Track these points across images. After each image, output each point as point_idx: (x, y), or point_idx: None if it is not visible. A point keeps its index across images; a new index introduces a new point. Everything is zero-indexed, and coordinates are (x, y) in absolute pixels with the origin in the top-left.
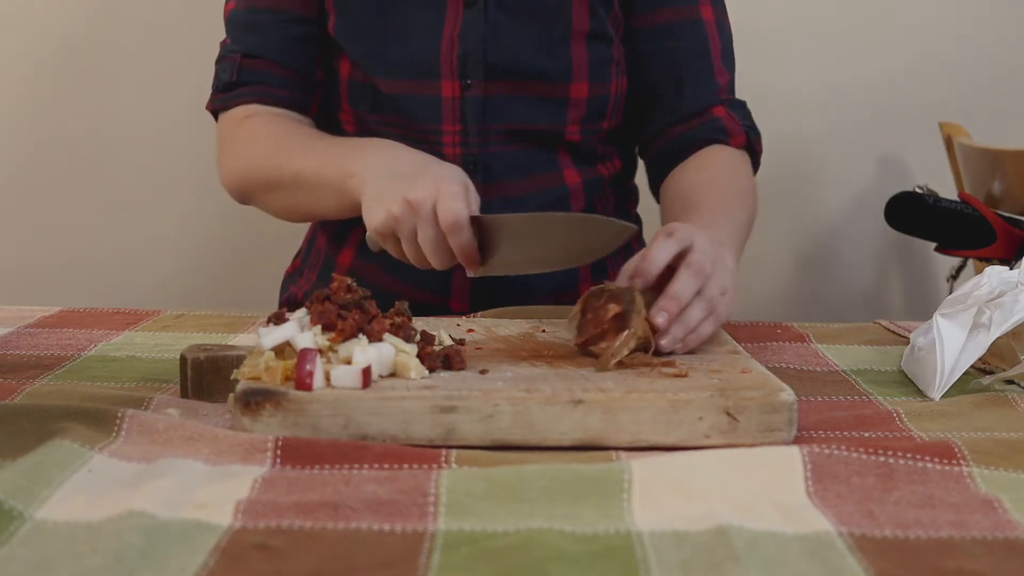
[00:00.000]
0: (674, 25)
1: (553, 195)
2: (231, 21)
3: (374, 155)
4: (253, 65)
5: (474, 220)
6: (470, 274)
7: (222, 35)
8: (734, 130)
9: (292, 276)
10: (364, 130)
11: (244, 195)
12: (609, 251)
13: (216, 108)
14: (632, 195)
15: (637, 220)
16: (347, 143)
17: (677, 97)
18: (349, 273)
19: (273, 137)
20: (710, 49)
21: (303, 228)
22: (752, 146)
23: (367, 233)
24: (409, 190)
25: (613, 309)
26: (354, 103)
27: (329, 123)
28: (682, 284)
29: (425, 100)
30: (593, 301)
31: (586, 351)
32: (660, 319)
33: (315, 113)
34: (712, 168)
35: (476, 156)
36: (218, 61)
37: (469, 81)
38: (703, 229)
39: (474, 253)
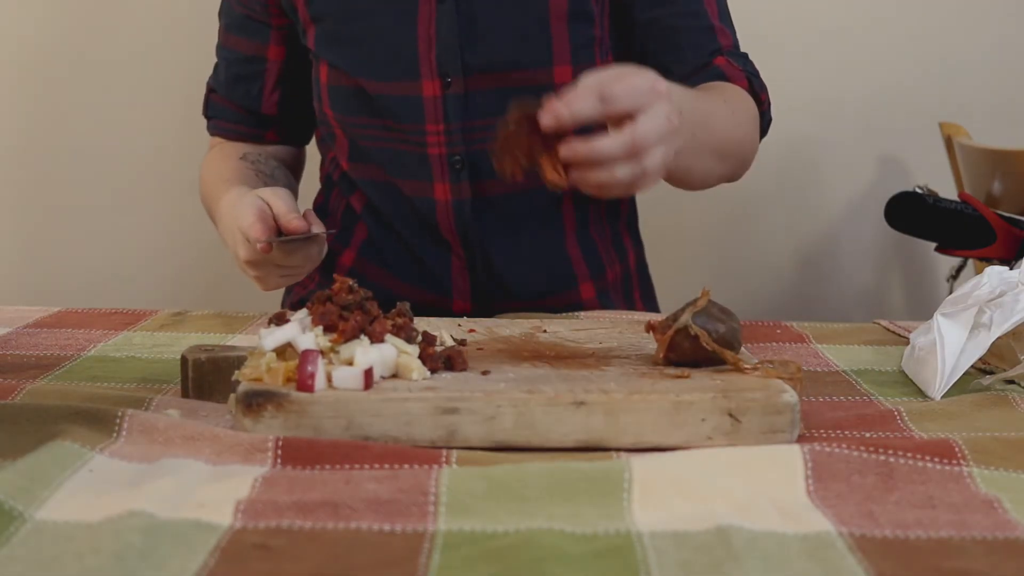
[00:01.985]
0: None
1: (544, 197)
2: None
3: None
4: (215, 99)
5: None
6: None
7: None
8: (734, 75)
9: (292, 284)
10: (348, 134)
11: None
12: None
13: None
14: (630, 208)
15: (637, 239)
16: (221, 208)
17: (676, 60)
18: (351, 273)
19: (207, 184)
20: (707, 12)
21: None
22: (756, 93)
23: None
24: (238, 260)
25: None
26: (336, 107)
27: (321, 128)
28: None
29: (407, 100)
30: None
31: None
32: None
33: (275, 140)
34: (702, 90)
35: (461, 155)
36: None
37: (449, 79)
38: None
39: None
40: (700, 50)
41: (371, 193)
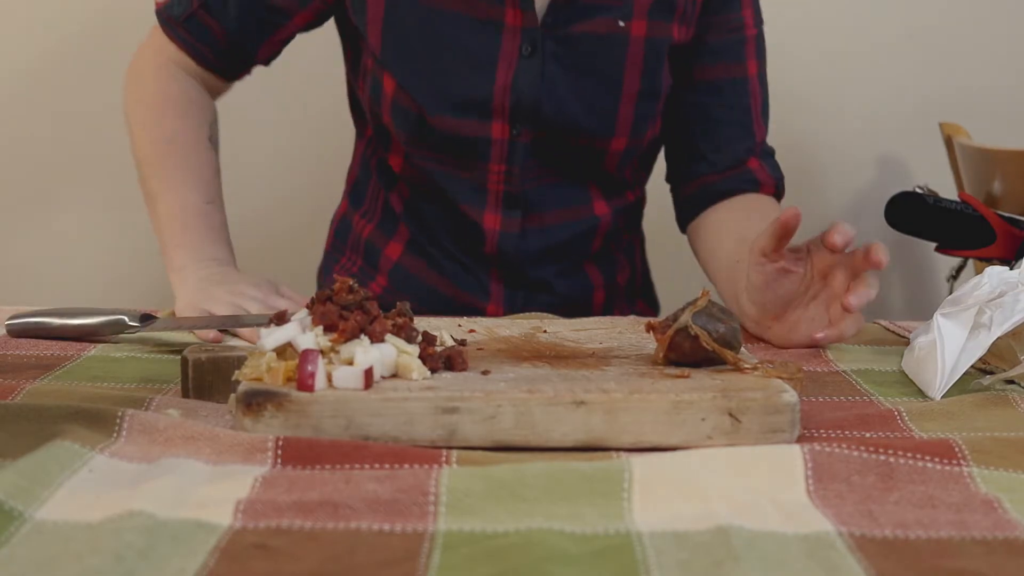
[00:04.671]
0: (721, 83)
1: (584, 225)
2: None
3: (192, 282)
4: (204, 19)
5: None
6: None
7: None
8: (766, 181)
9: (330, 262)
10: (405, 148)
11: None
12: None
13: (159, 20)
14: (641, 205)
15: (641, 235)
16: (177, 232)
17: (714, 150)
18: (395, 267)
19: (155, 145)
20: (751, 107)
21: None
22: (779, 195)
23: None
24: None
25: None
26: (397, 123)
27: (370, 120)
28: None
29: (474, 139)
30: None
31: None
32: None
33: (227, 77)
34: (744, 210)
35: (518, 193)
36: None
37: (519, 128)
38: None
39: None
40: (736, 148)
41: (416, 199)
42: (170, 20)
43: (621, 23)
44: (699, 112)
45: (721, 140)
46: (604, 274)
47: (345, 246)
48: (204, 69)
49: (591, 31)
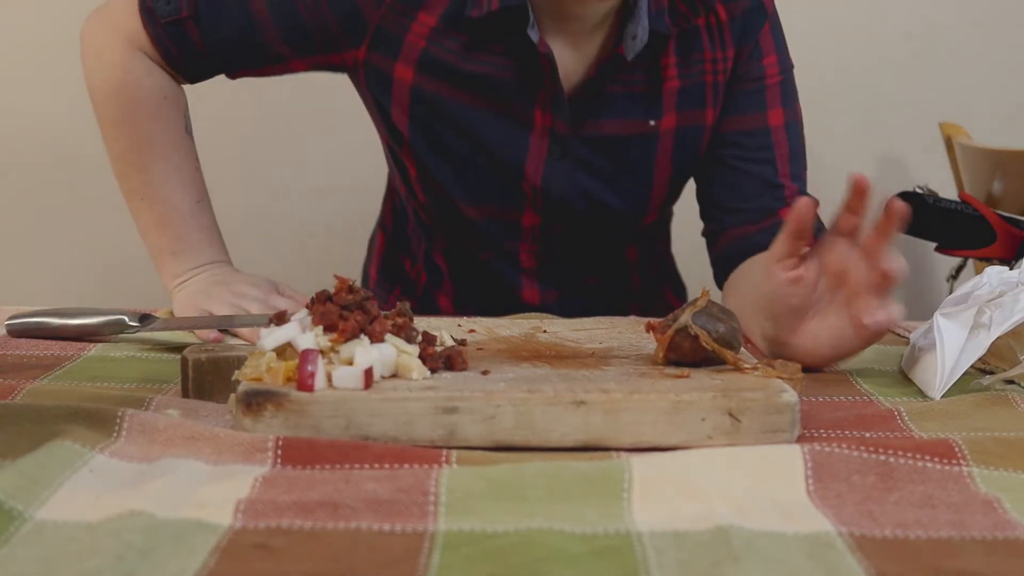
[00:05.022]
0: (739, 135)
1: (619, 274)
2: None
3: (193, 287)
4: (189, 29)
5: None
6: None
7: None
8: None
9: (380, 292)
10: (436, 223)
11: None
12: None
13: (139, 7)
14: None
15: (670, 259)
16: (172, 239)
17: (738, 203)
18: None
19: (133, 146)
20: (775, 157)
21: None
22: None
23: None
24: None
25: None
26: (428, 197)
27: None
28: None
29: (505, 224)
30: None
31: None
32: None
33: (187, 80)
34: None
35: (549, 269)
36: None
37: (550, 218)
38: None
39: None
40: (762, 199)
41: (458, 265)
42: (152, 14)
43: (652, 123)
44: (721, 166)
45: (745, 193)
46: (645, 308)
47: (391, 284)
48: (169, 67)
49: (621, 133)
